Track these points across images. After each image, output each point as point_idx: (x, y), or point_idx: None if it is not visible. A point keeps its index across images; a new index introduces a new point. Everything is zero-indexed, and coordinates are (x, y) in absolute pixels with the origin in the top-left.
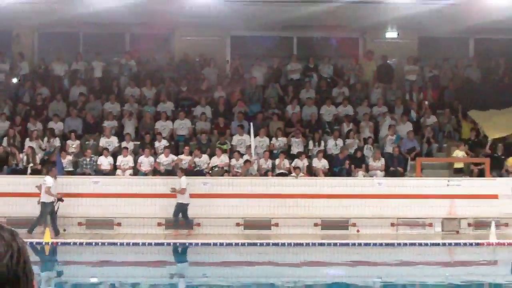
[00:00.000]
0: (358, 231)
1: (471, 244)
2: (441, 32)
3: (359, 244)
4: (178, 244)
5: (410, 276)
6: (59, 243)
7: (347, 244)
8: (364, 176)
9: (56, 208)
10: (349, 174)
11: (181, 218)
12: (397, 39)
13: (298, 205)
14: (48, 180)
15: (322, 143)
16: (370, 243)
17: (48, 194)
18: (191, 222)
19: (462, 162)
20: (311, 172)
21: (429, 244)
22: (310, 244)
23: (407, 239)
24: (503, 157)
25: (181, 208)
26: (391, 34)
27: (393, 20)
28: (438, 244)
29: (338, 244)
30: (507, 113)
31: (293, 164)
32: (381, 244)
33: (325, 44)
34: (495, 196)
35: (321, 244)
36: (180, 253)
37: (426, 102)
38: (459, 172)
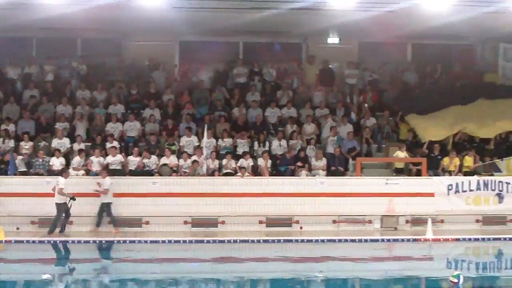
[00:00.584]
0: (301, 228)
1: (408, 240)
2: (380, 37)
3: (302, 241)
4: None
5: (350, 271)
6: (12, 241)
7: (291, 241)
8: (307, 176)
9: (69, 206)
10: (292, 173)
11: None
12: (338, 45)
13: (243, 203)
14: (61, 181)
15: (267, 144)
16: (312, 240)
17: (60, 195)
18: (116, 221)
19: (401, 162)
20: (256, 171)
21: (368, 240)
22: (255, 240)
23: (347, 235)
24: (439, 157)
25: (105, 208)
26: (332, 39)
27: (334, 26)
28: (377, 240)
29: (282, 240)
30: (443, 115)
31: (238, 164)
32: (323, 241)
33: (269, 49)
34: (431, 194)
35: (265, 241)
36: (107, 249)
37: (366, 105)
38: (399, 172)
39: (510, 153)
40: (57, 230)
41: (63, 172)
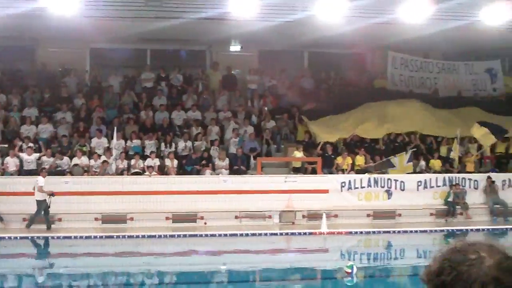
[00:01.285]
0: (205, 223)
1: (305, 234)
2: (279, 46)
3: (206, 235)
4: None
5: (252, 263)
6: None
7: (196, 235)
8: (211, 174)
9: (48, 203)
10: (198, 173)
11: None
12: (240, 52)
13: (151, 201)
14: (40, 180)
15: (173, 145)
16: (216, 234)
17: (40, 192)
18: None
19: (298, 161)
20: (163, 171)
21: (268, 234)
22: (162, 236)
23: (249, 230)
24: (332, 156)
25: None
26: (235, 47)
27: (236, 35)
28: (276, 234)
29: (187, 235)
30: (337, 118)
31: (146, 164)
32: (226, 235)
33: (175, 56)
34: (326, 191)
35: (172, 236)
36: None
37: (266, 108)
38: (297, 171)
39: (398, 152)
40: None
41: (41, 172)
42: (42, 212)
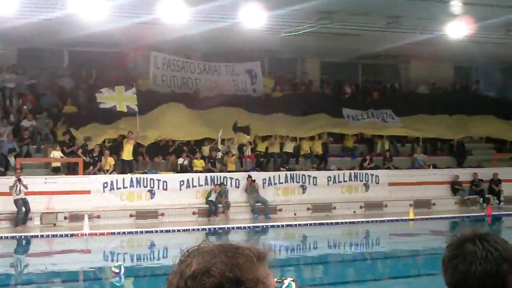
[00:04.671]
0: None
1: (67, 235)
2: (39, 44)
3: None
4: None
5: (13, 267)
6: None
7: None
8: None
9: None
10: None
11: None
12: None
13: None
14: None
15: None
16: None
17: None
18: None
19: (58, 161)
20: None
21: (29, 236)
22: None
23: (8, 233)
24: (96, 157)
25: None
26: None
27: None
28: (37, 236)
29: None
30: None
31: None
32: None
33: None
34: (88, 192)
35: None
36: None
37: (25, 107)
38: (57, 171)
39: (164, 154)
40: None
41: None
42: None
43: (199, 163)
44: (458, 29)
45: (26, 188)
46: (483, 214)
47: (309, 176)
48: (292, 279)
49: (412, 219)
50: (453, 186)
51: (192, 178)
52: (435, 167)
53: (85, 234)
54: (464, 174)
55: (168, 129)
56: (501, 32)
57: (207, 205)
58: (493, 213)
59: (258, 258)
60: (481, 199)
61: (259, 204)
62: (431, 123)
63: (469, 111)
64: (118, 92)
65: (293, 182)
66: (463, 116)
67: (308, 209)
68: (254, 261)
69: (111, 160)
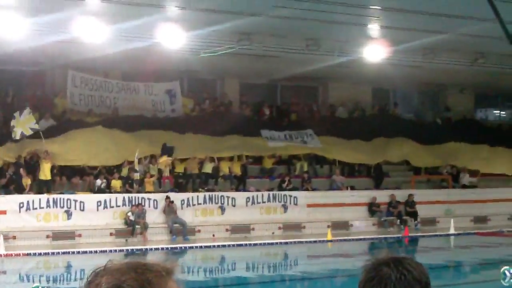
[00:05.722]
0: None
1: None
2: None
3: None
4: None
5: None
6: None
7: None
8: None
9: None
10: None
11: None
12: None
13: None
14: None
15: None
16: None
17: None
18: None
19: None
20: None
21: None
22: None
23: None
24: (14, 177)
25: None
26: None
27: None
28: None
29: None
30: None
31: None
32: None
33: None
34: (3, 212)
35: None
36: None
37: None
38: None
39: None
40: None
41: None
42: None
43: (117, 184)
44: (376, 52)
45: None
46: (400, 235)
47: (227, 197)
48: None
49: (330, 240)
50: (370, 208)
51: (110, 199)
52: (353, 188)
53: (1, 255)
54: (382, 196)
55: (85, 157)
56: (418, 55)
57: (126, 226)
58: (410, 234)
59: (167, 272)
60: (398, 220)
61: (177, 225)
62: (349, 148)
63: (386, 134)
64: (16, 119)
65: (212, 203)
66: (381, 139)
67: (226, 230)
68: (163, 276)
69: (27, 180)
